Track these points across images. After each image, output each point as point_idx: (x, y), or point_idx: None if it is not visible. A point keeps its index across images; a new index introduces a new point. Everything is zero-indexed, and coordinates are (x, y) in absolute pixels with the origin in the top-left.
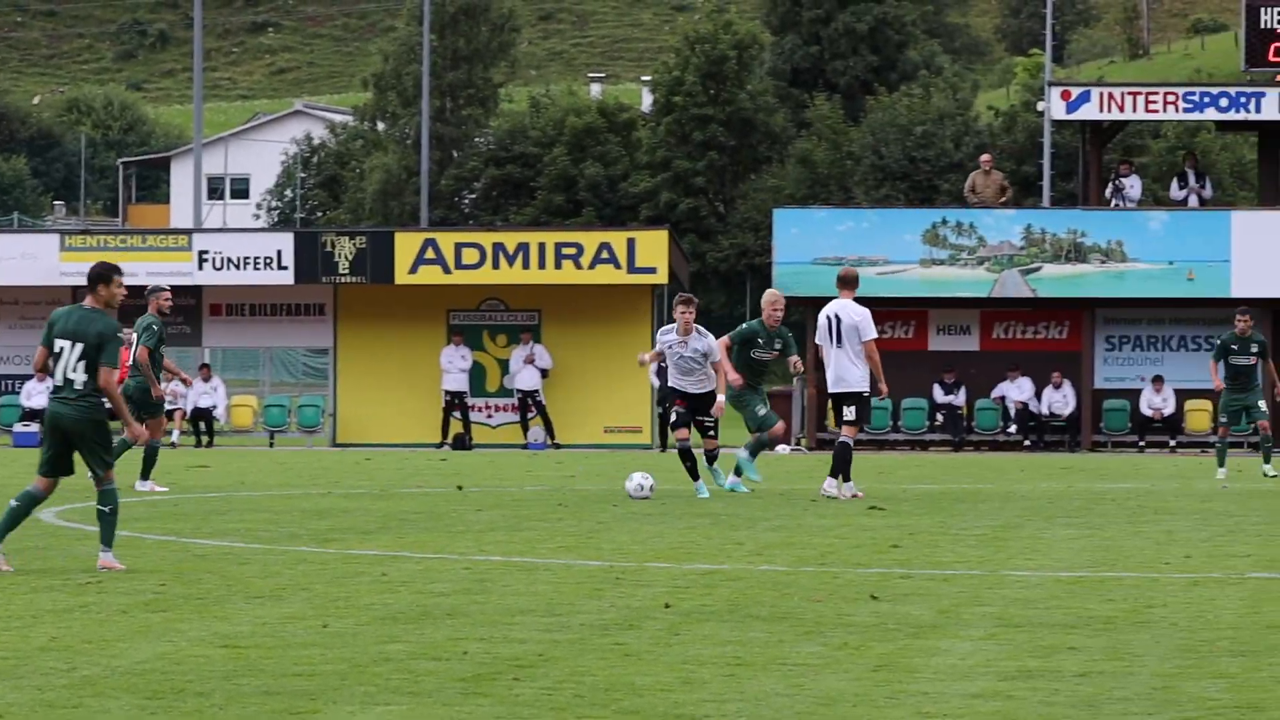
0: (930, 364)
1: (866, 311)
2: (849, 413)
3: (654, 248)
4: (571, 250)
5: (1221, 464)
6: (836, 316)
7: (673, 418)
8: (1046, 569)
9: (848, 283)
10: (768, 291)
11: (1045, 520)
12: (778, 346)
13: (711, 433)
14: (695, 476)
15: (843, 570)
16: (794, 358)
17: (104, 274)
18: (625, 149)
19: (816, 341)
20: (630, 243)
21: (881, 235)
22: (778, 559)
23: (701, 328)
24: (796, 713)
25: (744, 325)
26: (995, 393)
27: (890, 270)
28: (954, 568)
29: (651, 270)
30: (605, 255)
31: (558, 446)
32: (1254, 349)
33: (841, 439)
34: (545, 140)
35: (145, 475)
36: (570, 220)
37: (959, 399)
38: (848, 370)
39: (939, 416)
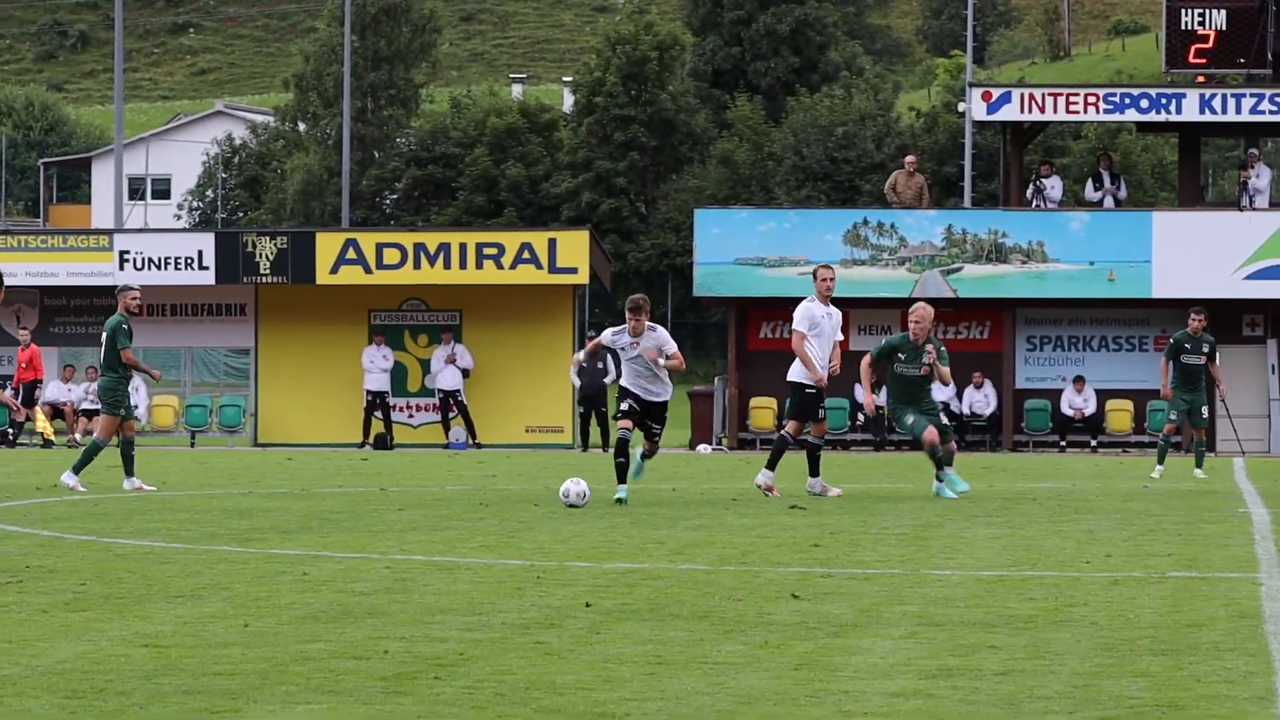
0: (851, 364)
1: (802, 306)
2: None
3: (575, 248)
4: (493, 250)
5: (1161, 461)
6: None
7: (623, 406)
8: (967, 568)
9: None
10: (915, 304)
11: (966, 519)
12: (926, 360)
13: (657, 437)
14: (622, 479)
15: (763, 569)
16: (943, 370)
17: None
18: (546, 149)
19: None
20: (551, 243)
21: (803, 235)
22: (699, 558)
23: (651, 323)
24: (717, 711)
25: (885, 339)
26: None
27: (811, 270)
28: (875, 566)
29: (573, 270)
30: (526, 255)
31: (479, 446)
32: (1205, 348)
33: (812, 439)
34: (466, 141)
35: (78, 469)
36: (491, 221)
37: (880, 399)
38: (795, 365)
39: (861, 416)
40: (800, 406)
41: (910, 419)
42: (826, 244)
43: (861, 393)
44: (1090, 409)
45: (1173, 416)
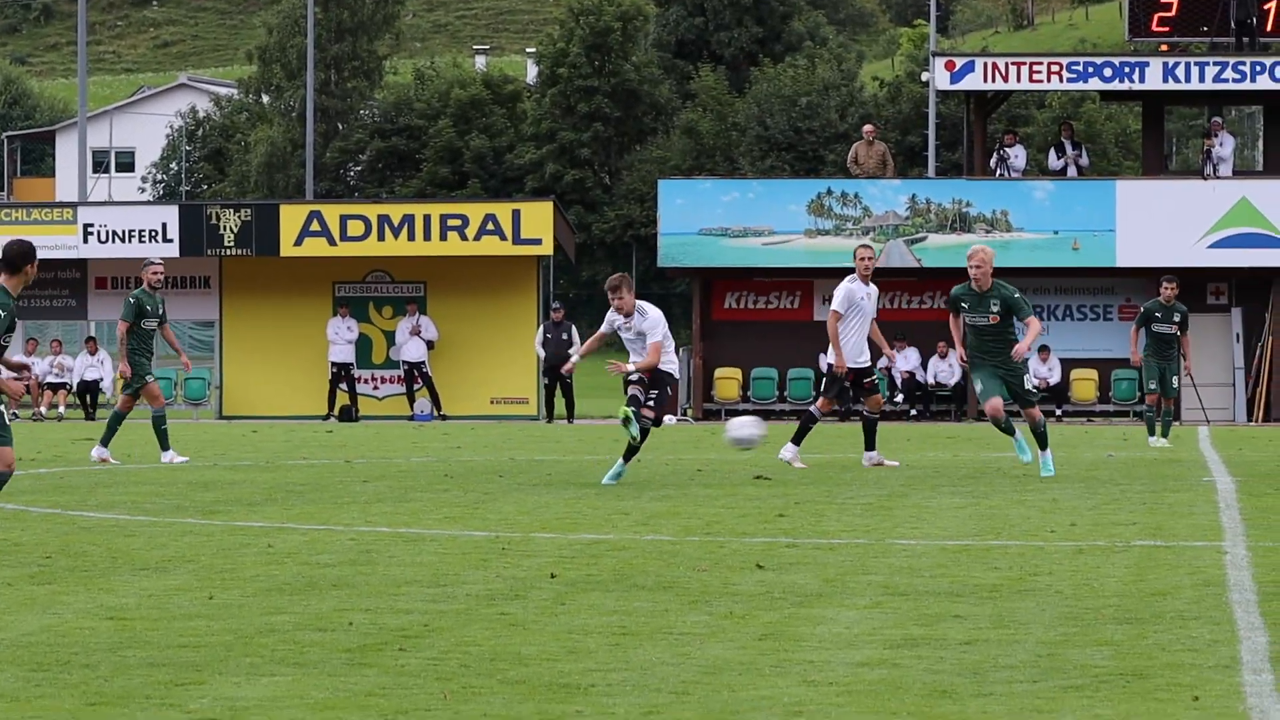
0: (816, 334)
1: (843, 286)
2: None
3: (539, 219)
4: (457, 222)
5: (1152, 432)
6: None
7: (631, 392)
8: (932, 537)
9: None
10: (973, 247)
11: (931, 489)
12: (995, 309)
13: (651, 404)
14: (628, 456)
15: (728, 539)
16: (1029, 319)
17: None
18: (510, 121)
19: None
20: (515, 214)
21: (767, 206)
22: (664, 528)
23: (644, 305)
24: (682, 681)
25: (954, 289)
26: (881, 362)
27: (775, 241)
28: (840, 536)
29: (536, 241)
30: (490, 227)
31: (444, 418)
32: (1176, 318)
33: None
34: (430, 112)
35: (165, 446)
36: (455, 192)
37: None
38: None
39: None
40: (830, 383)
41: (979, 385)
42: (790, 214)
43: (957, 350)
44: (1055, 378)
45: (1152, 386)
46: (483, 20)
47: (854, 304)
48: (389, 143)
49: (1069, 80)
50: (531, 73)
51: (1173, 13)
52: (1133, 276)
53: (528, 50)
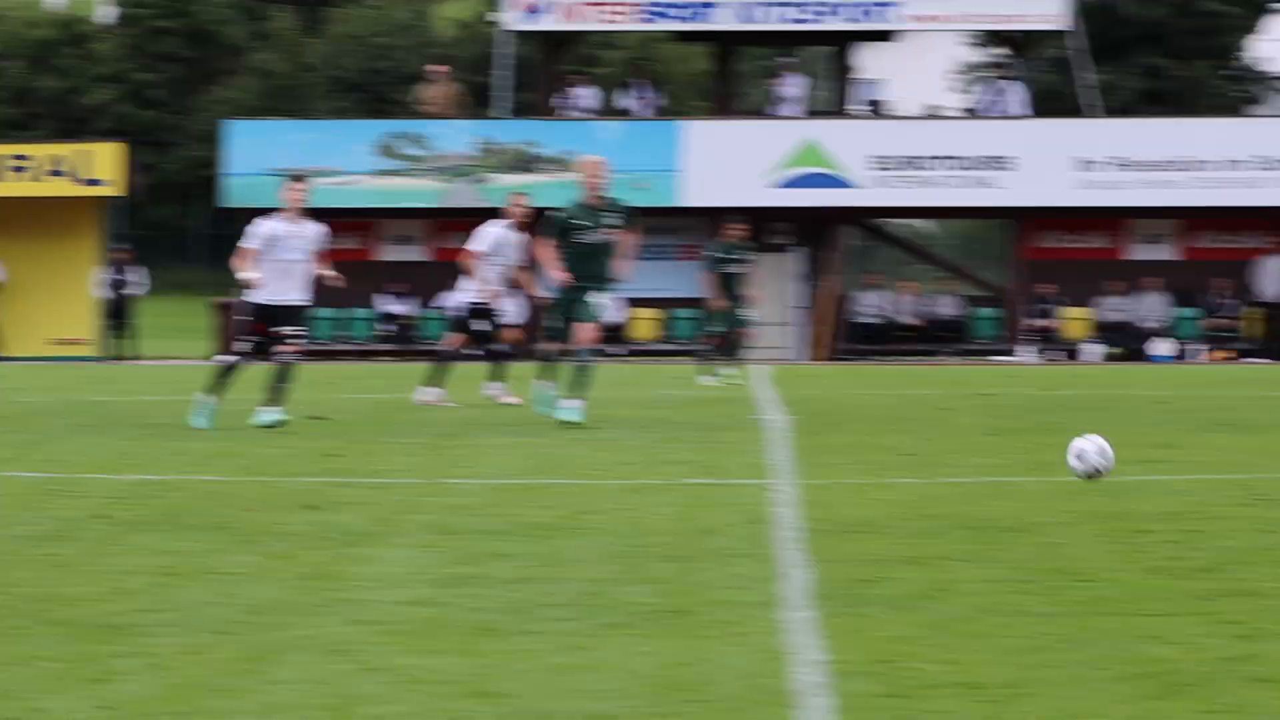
0: (379, 274)
1: (490, 230)
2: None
3: (107, 160)
4: (22, 163)
5: (709, 372)
6: None
7: (244, 346)
8: (485, 476)
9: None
10: (584, 158)
11: (485, 428)
12: (614, 222)
13: (289, 340)
14: (272, 402)
15: (281, 480)
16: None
17: None
18: (90, 61)
19: None
20: (82, 155)
21: (335, 146)
22: (218, 469)
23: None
24: (225, 621)
25: (558, 213)
26: (444, 302)
27: (342, 181)
28: (393, 476)
29: (105, 182)
30: (57, 168)
31: (2, 360)
32: (742, 256)
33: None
34: (1, 54)
35: None
36: (25, 133)
37: (408, 309)
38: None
39: (386, 326)
40: (477, 319)
41: (577, 311)
42: (358, 154)
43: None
44: (617, 318)
45: (719, 327)
46: None
47: (499, 249)
48: None
49: (642, 20)
50: (107, 14)
51: None
52: (697, 216)
53: None
